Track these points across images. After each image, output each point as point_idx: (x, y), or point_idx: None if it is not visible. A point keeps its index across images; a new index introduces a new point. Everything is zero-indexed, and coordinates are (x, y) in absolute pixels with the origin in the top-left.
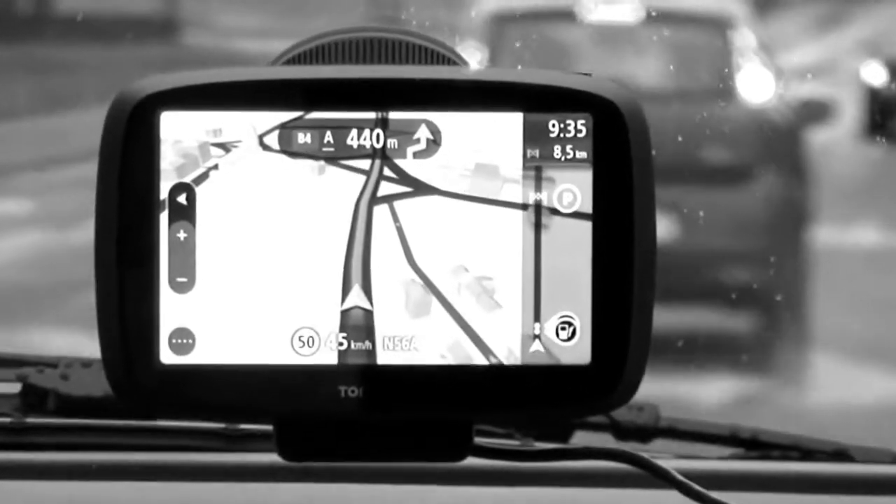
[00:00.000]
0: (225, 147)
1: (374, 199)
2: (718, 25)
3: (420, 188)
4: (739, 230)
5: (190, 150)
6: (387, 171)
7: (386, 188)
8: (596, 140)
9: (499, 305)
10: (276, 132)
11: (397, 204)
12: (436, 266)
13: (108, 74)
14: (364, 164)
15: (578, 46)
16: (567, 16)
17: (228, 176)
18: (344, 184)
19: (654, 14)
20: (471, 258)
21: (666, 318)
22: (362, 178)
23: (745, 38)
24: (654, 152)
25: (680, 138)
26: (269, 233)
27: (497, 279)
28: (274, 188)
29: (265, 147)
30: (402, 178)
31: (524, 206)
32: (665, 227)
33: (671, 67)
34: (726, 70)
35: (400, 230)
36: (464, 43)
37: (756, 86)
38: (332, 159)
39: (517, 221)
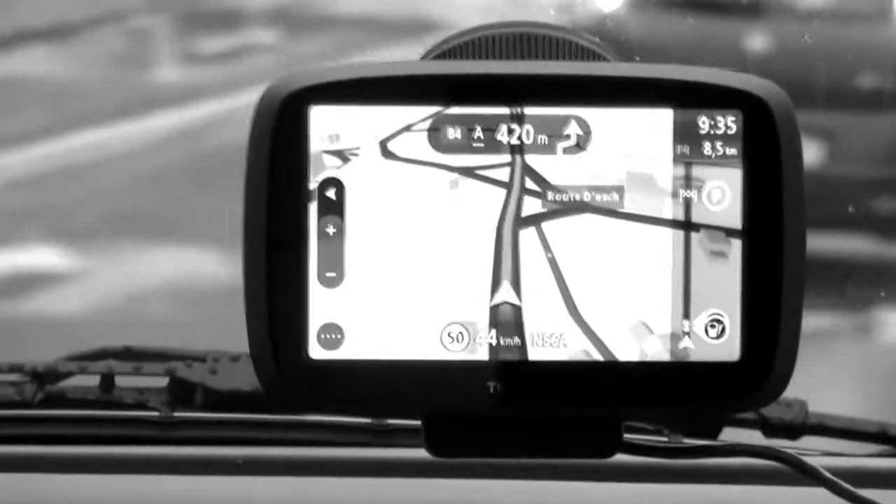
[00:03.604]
0: (343, 156)
1: (519, 222)
2: None
3: (568, 205)
4: (894, 158)
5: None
6: (529, 184)
7: (530, 205)
8: (745, 138)
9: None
10: (421, 131)
11: (546, 226)
12: (609, 324)
13: None
14: (503, 174)
15: None
16: None
17: (369, 174)
18: (482, 200)
19: None
20: (645, 304)
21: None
22: (502, 192)
23: None
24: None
25: (833, 61)
26: (415, 232)
27: (690, 333)
28: (408, 196)
29: (388, 154)
30: (548, 191)
31: (677, 222)
32: (815, 153)
33: None
34: None
35: (553, 262)
36: None
37: None
38: (467, 169)
39: (669, 230)
